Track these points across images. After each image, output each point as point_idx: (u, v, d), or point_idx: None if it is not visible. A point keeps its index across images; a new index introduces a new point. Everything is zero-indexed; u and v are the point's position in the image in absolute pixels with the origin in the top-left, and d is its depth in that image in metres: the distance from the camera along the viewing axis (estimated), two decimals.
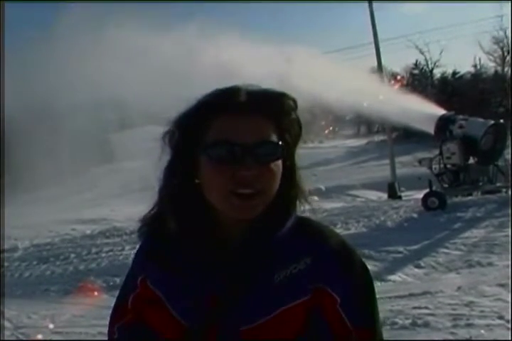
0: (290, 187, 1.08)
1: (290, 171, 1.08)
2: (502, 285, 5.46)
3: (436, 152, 11.14)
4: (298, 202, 1.11)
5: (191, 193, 1.05)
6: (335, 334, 1.04)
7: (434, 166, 11.04)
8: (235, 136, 1.01)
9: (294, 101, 1.09)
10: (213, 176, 1.02)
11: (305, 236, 1.07)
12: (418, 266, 6.65)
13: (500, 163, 11.04)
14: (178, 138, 1.06)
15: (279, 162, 1.04)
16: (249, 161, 0.99)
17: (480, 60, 35.00)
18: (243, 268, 1.03)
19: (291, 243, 1.06)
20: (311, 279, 1.03)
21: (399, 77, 28.35)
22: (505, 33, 31.42)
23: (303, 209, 1.12)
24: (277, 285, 1.03)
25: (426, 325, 4.61)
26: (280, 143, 1.04)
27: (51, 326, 5.46)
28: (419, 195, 11.06)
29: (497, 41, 33.46)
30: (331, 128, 36.49)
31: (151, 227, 1.14)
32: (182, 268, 1.07)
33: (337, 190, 15.59)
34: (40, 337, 5.20)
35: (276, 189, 1.04)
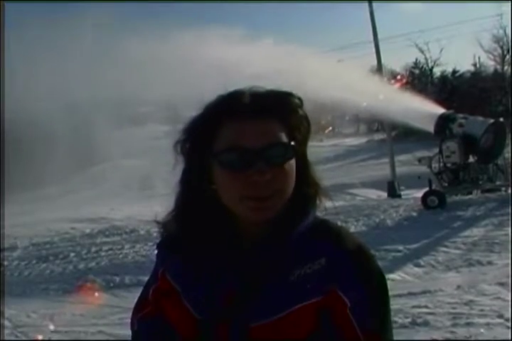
0: (307, 186, 1.08)
1: (303, 169, 1.08)
2: (501, 284, 5.47)
3: (436, 151, 11.15)
4: (318, 201, 1.11)
5: (208, 198, 1.06)
6: (344, 337, 1.03)
7: (433, 165, 11.04)
8: (243, 141, 1.01)
9: (300, 99, 1.09)
10: (227, 182, 1.02)
11: (322, 237, 1.07)
12: (418, 265, 6.65)
13: (499, 161, 11.06)
14: (190, 147, 1.07)
15: (292, 161, 1.04)
16: (261, 165, 0.99)
17: (479, 58, 35.02)
18: (258, 265, 1.04)
19: (308, 243, 1.06)
20: (324, 280, 1.03)
21: (399, 76, 28.32)
22: (504, 31, 31.45)
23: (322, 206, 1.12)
24: (291, 284, 1.03)
25: (425, 323, 4.61)
26: (292, 143, 1.04)
27: (51, 325, 5.45)
28: (419, 193, 11.06)
29: (497, 40, 33.50)
30: (330, 128, 36.49)
31: (170, 229, 1.15)
32: (200, 263, 1.08)
33: (336, 188, 15.54)
34: (39, 336, 5.20)
35: (291, 189, 1.04)
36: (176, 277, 1.12)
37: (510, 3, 19.45)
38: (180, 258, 1.12)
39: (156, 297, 1.17)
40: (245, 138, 1.01)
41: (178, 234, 1.11)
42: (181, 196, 1.10)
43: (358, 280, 1.03)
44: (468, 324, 4.51)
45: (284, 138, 1.03)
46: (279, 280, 1.03)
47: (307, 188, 1.08)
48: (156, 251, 1.24)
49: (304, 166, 1.08)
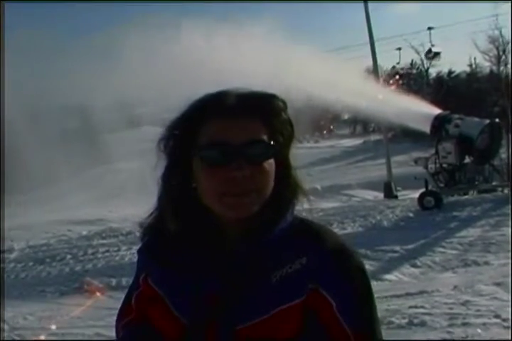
0: (285, 187, 1.09)
1: (285, 171, 1.09)
2: (498, 284, 5.48)
3: (432, 151, 11.17)
4: (295, 202, 1.11)
5: (189, 197, 1.07)
6: (332, 337, 1.04)
7: (430, 165, 11.05)
8: (225, 138, 1.03)
9: (284, 102, 1.10)
10: (207, 178, 1.03)
11: (303, 236, 1.08)
12: (414, 265, 6.66)
13: (496, 162, 11.08)
14: (173, 144, 1.09)
15: (272, 161, 1.05)
16: (240, 161, 1.01)
17: (475, 59, 34.98)
18: (240, 267, 1.05)
19: (288, 243, 1.06)
20: (306, 279, 1.04)
21: (395, 77, 28.31)
22: (500, 32, 31.43)
23: (301, 208, 1.12)
24: (274, 285, 1.03)
25: (422, 324, 4.62)
26: (271, 142, 1.05)
27: (47, 327, 5.45)
28: (416, 194, 11.08)
29: (492, 40, 33.47)
30: (332, 127, 36.46)
31: (152, 230, 1.16)
32: (182, 267, 1.09)
33: (333, 189, 15.59)
34: (36, 338, 5.19)
35: (270, 188, 1.05)
36: (158, 282, 1.12)
37: (506, 4, 19.51)
38: (161, 263, 1.12)
39: (139, 303, 1.17)
40: (227, 135, 1.03)
41: (159, 236, 1.12)
42: (163, 194, 1.11)
43: (341, 278, 1.04)
44: (464, 324, 4.53)
45: (266, 138, 1.05)
46: (262, 281, 1.04)
47: (285, 190, 1.09)
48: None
49: (285, 169, 1.09)
